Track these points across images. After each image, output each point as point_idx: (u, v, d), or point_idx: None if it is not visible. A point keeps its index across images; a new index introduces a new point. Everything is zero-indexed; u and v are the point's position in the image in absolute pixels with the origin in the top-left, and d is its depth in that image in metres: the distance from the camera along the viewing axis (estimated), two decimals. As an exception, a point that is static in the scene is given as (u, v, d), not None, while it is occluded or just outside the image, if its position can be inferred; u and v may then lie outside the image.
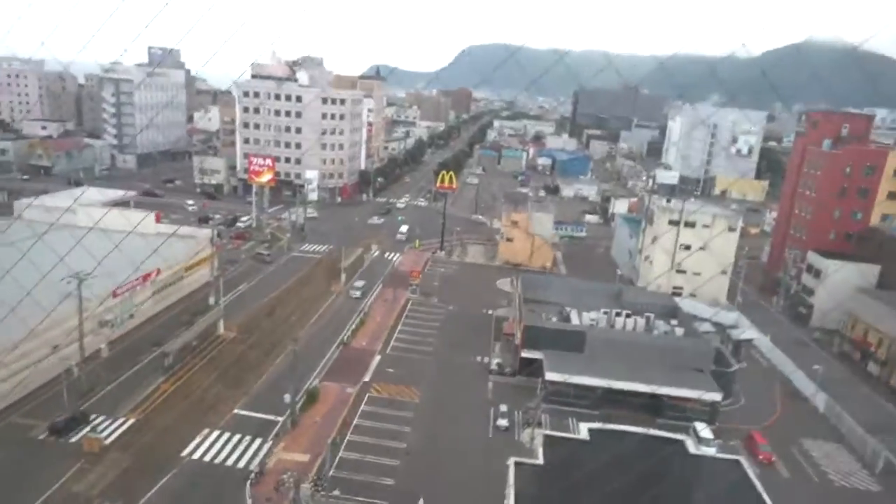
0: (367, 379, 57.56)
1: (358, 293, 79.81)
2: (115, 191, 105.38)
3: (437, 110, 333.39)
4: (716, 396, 54.08)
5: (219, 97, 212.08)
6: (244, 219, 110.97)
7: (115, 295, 59.50)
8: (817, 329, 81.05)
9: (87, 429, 45.19)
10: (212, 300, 70.05)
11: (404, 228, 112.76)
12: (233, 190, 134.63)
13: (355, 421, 50.22)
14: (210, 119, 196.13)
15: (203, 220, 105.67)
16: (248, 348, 61.92)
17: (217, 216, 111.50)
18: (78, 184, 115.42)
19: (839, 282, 79.13)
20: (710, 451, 44.76)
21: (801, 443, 53.10)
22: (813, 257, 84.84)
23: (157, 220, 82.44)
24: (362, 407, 52.48)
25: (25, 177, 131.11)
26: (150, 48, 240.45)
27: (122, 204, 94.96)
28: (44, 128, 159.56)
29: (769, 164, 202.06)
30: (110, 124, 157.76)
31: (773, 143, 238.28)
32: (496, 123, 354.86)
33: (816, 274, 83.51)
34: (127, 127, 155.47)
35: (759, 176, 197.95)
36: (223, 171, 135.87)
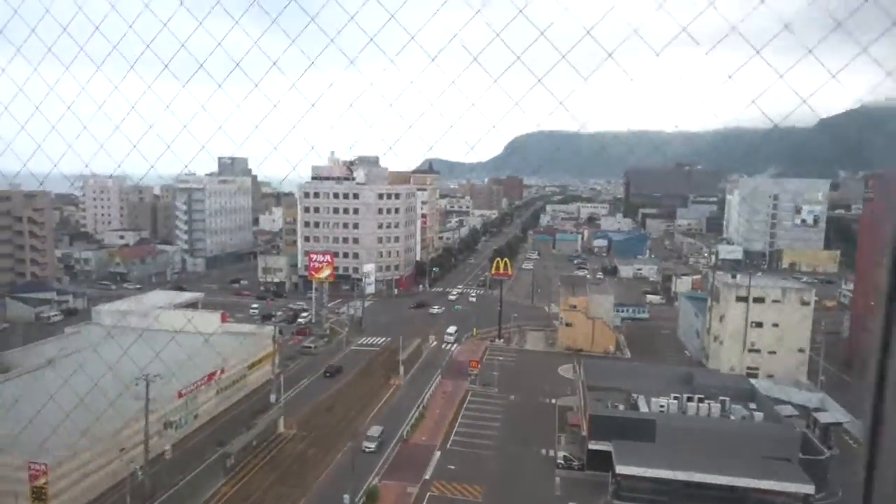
0: (427, 477, 55.57)
1: (373, 446, 59.46)
2: (185, 293, 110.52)
3: (489, 199, 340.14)
4: (808, 489, 49.21)
5: (282, 199, 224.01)
6: (304, 314, 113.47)
7: (179, 395, 60.82)
8: (917, 409, 73.76)
9: None
10: (273, 398, 70.52)
11: (452, 329, 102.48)
12: (294, 287, 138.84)
13: (416, 523, 48.09)
14: (274, 220, 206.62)
15: (266, 318, 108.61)
16: (307, 446, 61.34)
17: (279, 313, 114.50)
18: (181, 288, 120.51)
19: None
20: (809, 553, 40.23)
21: (916, 542, 47.00)
22: (900, 330, 78.75)
23: (223, 319, 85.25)
24: (423, 507, 50.38)
25: (131, 285, 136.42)
26: (219, 158, 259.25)
27: (190, 305, 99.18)
28: (121, 237, 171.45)
29: (839, 234, 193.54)
30: (182, 230, 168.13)
31: (840, 211, 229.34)
32: (549, 208, 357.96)
33: (907, 348, 77.19)
34: (197, 232, 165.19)
35: (828, 246, 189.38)
36: (285, 269, 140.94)
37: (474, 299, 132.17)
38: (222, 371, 68.42)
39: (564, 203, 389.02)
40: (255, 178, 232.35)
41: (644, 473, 51.23)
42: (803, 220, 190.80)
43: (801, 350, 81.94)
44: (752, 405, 61.29)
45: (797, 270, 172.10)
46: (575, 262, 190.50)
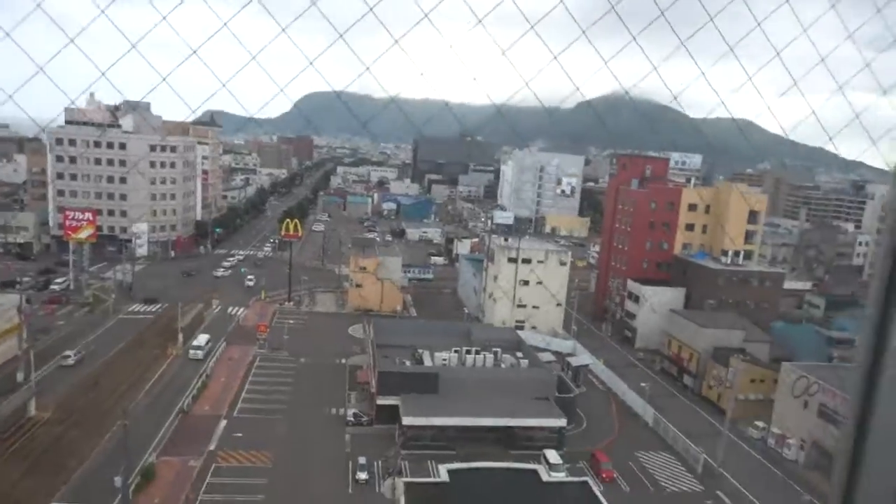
0: (212, 448, 53.33)
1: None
2: None
3: (278, 158, 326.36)
4: (561, 422, 57.63)
5: (25, 145, 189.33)
6: (59, 280, 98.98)
7: None
8: (641, 350, 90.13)
9: None
10: (20, 376, 61.06)
11: (203, 339, 75.96)
12: (45, 248, 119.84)
13: (200, 497, 46.13)
14: (15, 170, 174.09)
15: (7, 285, 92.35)
16: (66, 429, 54.52)
17: (26, 279, 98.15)
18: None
19: (655, 305, 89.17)
20: (561, 475, 47.45)
21: (637, 456, 58.20)
22: (632, 285, 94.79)
23: (-55, 288, 70.73)
24: (208, 479, 48.41)
25: None
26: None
27: None
28: None
29: (590, 203, 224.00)
30: None
31: (591, 184, 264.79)
32: (340, 170, 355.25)
33: (636, 300, 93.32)
34: None
35: (581, 213, 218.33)
36: (33, 227, 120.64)
37: (262, 260, 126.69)
38: (-52, 350, 57.25)
39: (355, 166, 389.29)
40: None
41: (428, 423, 55.33)
42: (563, 191, 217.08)
43: (558, 304, 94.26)
44: (520, 354, 69.36)
45: (557, 234, 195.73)
46: (365, 224, 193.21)
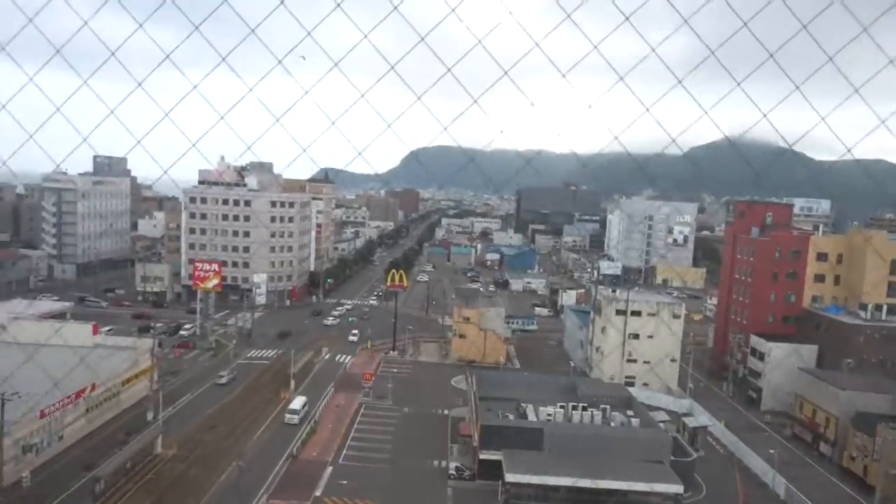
0: (318, 494, 54.16)
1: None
2: (48, 302, 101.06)
3: (385, 211, 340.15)
4: (678, 489, 53.14)
5: (164, 203, 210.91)
6: (188, 326, 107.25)
7: (42, 415, 55.32)
8: (768, 412, 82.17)
9: None
10: (150, 415, 65.94)
11: (298, 403, 71.92)
12: (177, 297, 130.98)
13: (306, 542, 46.67)
14: (155, 226, 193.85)
15: (144, 330, 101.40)
16: (188, 467, 57.74)
17: (159, 324, 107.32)
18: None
19: (783, 363, 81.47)
20: (678, 548, 43.42)
21: (767, 533, 52.20)
22: (756, 341, 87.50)
23: (95, 331, 78.73)
24: (313, 525, 49.02)
25: None
26: (94, 157, 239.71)
27: (57, 316, 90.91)
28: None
29: (704, 252, 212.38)
30: (49, 234, 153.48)
31: (706, 233, 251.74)
32: (444, 221, 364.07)
33: (761, 357, 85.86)
34: (67, 236, 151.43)
35: (695, 263, 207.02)
36: (167, 277, 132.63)
37: (366, 307, 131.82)
38: (93, 388, 63.18)
39: (459, 217, 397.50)
40: (134, 179, 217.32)
41: (532, 481, 53.04)
42: (675, 240, 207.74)
43: (672, 360, 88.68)
44: (630, 412, 65.31)
45: (669, 286, 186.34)
46: (468, 275, 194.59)
